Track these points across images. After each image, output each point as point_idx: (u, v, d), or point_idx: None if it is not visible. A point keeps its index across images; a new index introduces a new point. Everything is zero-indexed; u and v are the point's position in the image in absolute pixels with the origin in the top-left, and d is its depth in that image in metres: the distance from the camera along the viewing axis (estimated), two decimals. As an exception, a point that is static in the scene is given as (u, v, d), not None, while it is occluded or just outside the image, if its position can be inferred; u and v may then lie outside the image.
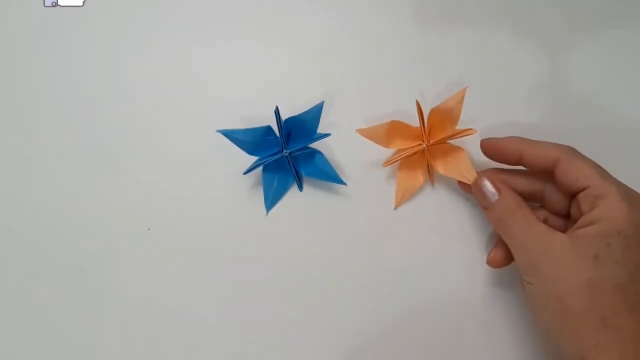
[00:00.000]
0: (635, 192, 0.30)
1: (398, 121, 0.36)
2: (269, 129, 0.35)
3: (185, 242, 0.38)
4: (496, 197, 0.32)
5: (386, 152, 0.38)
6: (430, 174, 0.38)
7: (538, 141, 0.33)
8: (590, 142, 0.39)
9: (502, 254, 0.34)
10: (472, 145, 0.37)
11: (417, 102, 0.35)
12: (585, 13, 0.41)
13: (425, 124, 0.35)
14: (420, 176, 0.38)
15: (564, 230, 0.30)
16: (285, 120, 0.35)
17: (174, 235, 0.38)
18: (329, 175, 0.37)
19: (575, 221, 0.31)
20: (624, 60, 0.40)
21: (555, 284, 0.28)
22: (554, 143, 0.32)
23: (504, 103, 0.40)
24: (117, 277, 0.37)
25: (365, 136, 0.36)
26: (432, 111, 0.35)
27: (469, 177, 0.36)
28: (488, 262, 0.35)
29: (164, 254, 0.38)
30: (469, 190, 0.36)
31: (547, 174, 0.33)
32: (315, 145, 0.37)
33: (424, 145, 0.36)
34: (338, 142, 0.39)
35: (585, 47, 0.40)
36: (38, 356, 0.37)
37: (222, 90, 0.40)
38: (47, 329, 0.37)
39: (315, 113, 0.35)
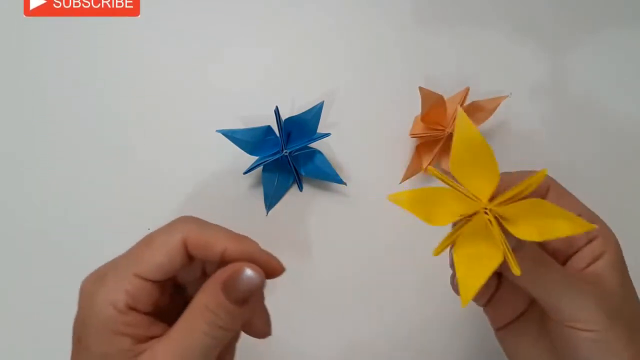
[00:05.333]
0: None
1: (442, 98, 0.35)
2: (269, 129, 0.35)
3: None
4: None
5: (385, 153, 0.38)
6: (431, 164, 0.37)
7: None
8: (590, 142, 0.39)
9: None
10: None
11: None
12: (585, 13, 0.41)
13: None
14: (424, 162, 0.37)
15: None
16: (285, 120, 0.35)
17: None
18: (329, 175, 0.37)
19: (559, 251, 0.27)
20: (624, 60, 0.40)
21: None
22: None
23: (504, 103, 0.40)
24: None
25: (423, 95, 0.34)
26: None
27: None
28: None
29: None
30: None
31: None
32: (315, 145, 0.37)
33: (446, 131, 0.35)
34: (338, 142, 0.39)
35: (585, 47, 0.40)
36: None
37: (222, 90, 0.40)
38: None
39: (315, 113, 0.35)
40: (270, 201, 0.38)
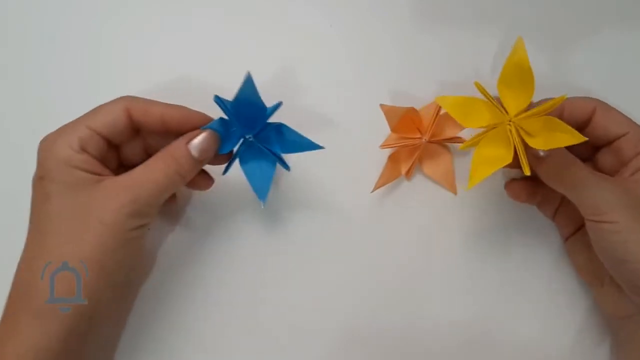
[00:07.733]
0: None
1: (413, 110, 0.36)
2: (222, 120, 0.33)
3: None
4: (546, 151, 0.30)
5: (385, 152, 0.38)
6: (411, 169, 0.38)
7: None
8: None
9: (522, 185, 0.35)
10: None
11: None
12: (585, 13, 0.40)
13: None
14: (403, 168, 0.38)
15: None
16: (230, 105, 0.32)
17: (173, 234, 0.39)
18: (303, 145, 0.34)
19: (611, 169, 0.33)
20: (624, 60, 0.39)
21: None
22: (585, 97, 0.33)
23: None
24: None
25: (385, 112, 0.35)
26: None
27: (448, 185, 0.36)
28: (506, 187, 0.36)
29: (163, 254, 0.38)
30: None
31: (581, 125, 0.33)
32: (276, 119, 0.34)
33: (423, 139, 0.36)
34: (338, 142, 0.39)
35: (585, 47, 0.40)
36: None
37: (221, 90, 0.40)
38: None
39: (247, 88, 0.31)
40: (260, 191, 0.35)
